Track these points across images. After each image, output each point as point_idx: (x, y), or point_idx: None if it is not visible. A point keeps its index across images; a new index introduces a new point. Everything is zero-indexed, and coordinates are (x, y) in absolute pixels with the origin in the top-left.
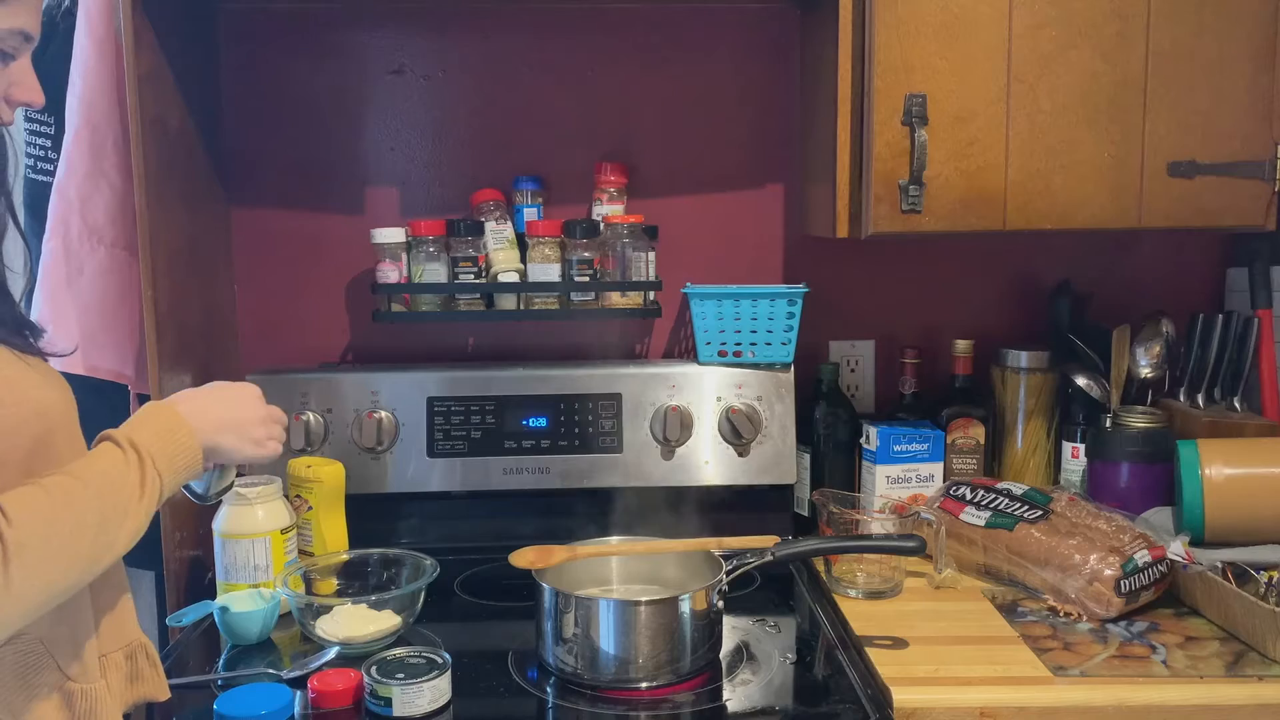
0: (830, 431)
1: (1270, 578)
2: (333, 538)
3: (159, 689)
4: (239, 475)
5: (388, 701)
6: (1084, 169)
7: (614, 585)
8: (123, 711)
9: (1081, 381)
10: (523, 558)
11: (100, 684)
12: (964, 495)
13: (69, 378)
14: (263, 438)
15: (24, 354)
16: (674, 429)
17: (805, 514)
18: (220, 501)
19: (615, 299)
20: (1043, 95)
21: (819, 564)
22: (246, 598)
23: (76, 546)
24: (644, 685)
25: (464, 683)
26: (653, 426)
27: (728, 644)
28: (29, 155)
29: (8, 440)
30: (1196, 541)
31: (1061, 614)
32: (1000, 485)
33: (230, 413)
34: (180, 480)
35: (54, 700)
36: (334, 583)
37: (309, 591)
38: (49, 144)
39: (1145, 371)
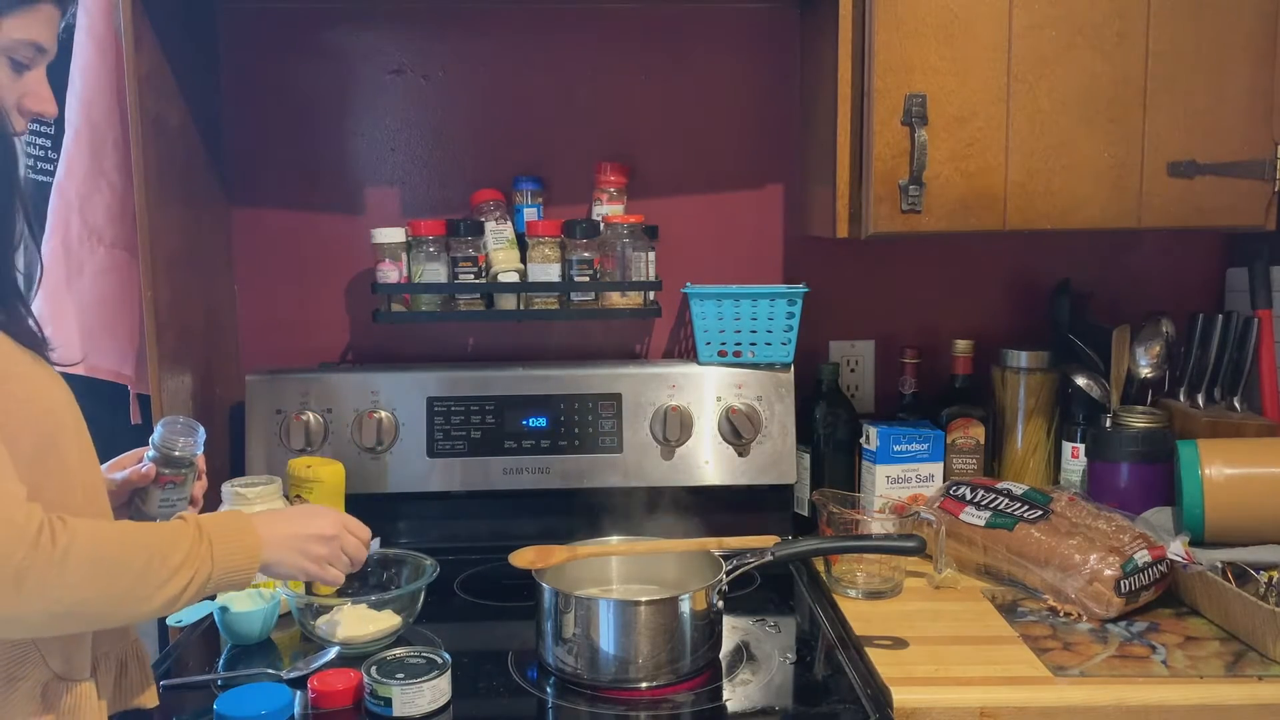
0: (830, 431)
1: (1270, 578)
2: None
3: (148, 697)
4: None
5: (388, 701)
6: (1084, 169)
7: (614, 585)
8: (109, 716)
9: (1081, 381)
10: (523, 558)
11: (88, 684)
12: (964, 495)
13: (68, 379)
14: (323, 556)
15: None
16: (674, 429)
17: (805, 514)
18: None
19: (615, 299)
20: (1043, 95)
21: (819, 564)
22: (246, 598)
23: (115, 581)
24: (644, 685)
25: (464, 683)
26: (653, 426)
27: (728, 644)
28: (29, 155)
29: (21, 435)
30: (1196, 541)
31: (1061, 614)
32: (1000, 485)
33: (295, 528)
34: (228, 576)
35: (37, 695)
36: None
37: (309, 591)
38: (49, 144)
39: (1145, 371)
